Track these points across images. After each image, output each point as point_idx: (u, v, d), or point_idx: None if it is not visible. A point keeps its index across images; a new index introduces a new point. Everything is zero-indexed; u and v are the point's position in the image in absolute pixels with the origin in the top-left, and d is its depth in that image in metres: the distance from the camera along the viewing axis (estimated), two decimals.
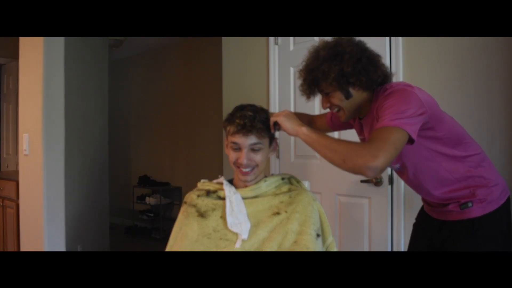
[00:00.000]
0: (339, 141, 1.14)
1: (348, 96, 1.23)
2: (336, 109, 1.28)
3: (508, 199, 1.28)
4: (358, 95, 1.24)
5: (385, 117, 1.10)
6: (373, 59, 1.22)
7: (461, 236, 1.24)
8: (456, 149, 1.24)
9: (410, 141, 1.10)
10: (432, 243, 1.34)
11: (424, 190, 1.33)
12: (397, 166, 1.33)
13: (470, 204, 1.23)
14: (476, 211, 1.23)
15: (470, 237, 1.23)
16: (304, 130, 1.18)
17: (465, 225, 1.24)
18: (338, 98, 1.24)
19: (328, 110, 1.35)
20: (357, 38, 1.26)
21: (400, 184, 1.92)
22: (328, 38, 1.28)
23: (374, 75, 1.21)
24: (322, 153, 1.14)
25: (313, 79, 1.26)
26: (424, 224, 1.43)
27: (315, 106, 2.26)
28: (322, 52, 1.23)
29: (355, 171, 1.07)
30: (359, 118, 1.35)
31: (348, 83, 1.21)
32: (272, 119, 1.25)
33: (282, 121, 1.21)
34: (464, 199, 1.24)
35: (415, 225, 1.49)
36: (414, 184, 1.35)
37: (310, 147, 1.18)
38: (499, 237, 1.24)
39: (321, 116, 1.64)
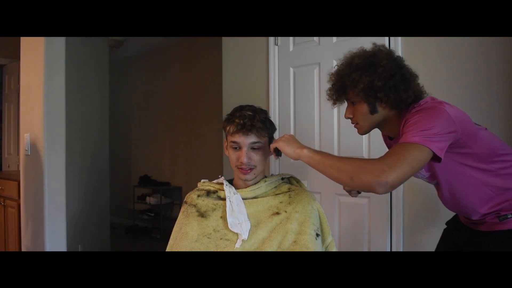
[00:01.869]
0: (344, 159, 1.09)
1: (373, 111, 1.18)
2: (355, 123, 1.24)
3: None
4: (383, 112, 1.19)
5: (407, 134, 1.05)
6: (407, 78, 1.16)
7: (496, 244, 1.19)
8: (494, 163, 1.18)
9: (437, 159, 1.05)
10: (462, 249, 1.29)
11: (466, 208, 1.26)
12: (434, 182, 1.28)
13: (510, 215, 1.18)
14: None
15: (505, 245, 1.17)
16: (305, 152, 1.13)
17: (502, 234, 1.19)
18: (363, 110, 1.19)
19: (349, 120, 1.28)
20: (396, 53, 1.21)
21: None
22: (368, 47, 1.22)
23: (404, 95, 1.15)
24: (328, 174, 1.09)
25: (341, 85, 1.21)
26: (455, 232, 1.37)
27: (315, 106, 2.26)
28: (357, 59, 1.18)
29: (364, 188, 1.03)
30: (389, 138, 1.30)
31: (376, 97, 1.16)
32: (272, 146, 1.23)
33: (282, 146, 1.18)
34: (504, 211, 1.19)
35: (445, 230, 1.44)
36: (452, 203, 1.28)
37: (314, 169, 1.13)
38: None
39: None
